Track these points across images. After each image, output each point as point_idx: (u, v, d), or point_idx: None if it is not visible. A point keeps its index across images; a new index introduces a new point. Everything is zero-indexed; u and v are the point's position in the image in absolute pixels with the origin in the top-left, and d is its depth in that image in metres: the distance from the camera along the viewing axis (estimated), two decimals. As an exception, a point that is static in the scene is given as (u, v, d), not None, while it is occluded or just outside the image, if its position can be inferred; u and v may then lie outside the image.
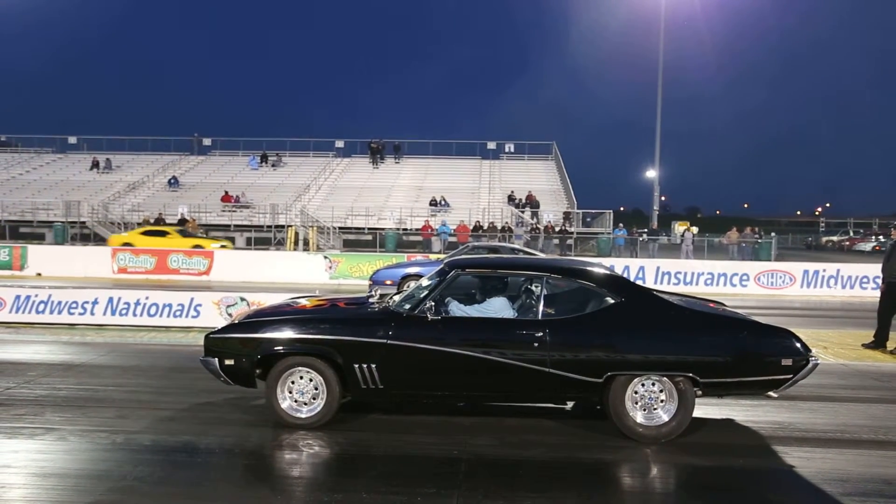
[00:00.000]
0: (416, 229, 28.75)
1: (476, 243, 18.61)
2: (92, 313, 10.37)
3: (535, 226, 29.01)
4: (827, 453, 5.21)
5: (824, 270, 18.69)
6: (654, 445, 5.30)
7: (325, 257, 19.74)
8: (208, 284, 17.81)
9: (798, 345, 5.36)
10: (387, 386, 5.48)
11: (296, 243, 26.69)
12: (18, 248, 20.29)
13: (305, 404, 5.57)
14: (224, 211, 31.54)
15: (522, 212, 30.63)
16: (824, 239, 51.18)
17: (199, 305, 10.25)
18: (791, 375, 5.30)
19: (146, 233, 24.35)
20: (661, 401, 5.35)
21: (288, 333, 5.57)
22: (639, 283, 6.26)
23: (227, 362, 5.65)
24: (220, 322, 10.12)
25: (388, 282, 13.88)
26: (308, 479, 4.75)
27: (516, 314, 5.69)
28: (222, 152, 40.36)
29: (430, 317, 5.38)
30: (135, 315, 10.28)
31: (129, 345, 9.33)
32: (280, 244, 27.92)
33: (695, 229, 35.29)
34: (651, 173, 37.84)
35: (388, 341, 5.39)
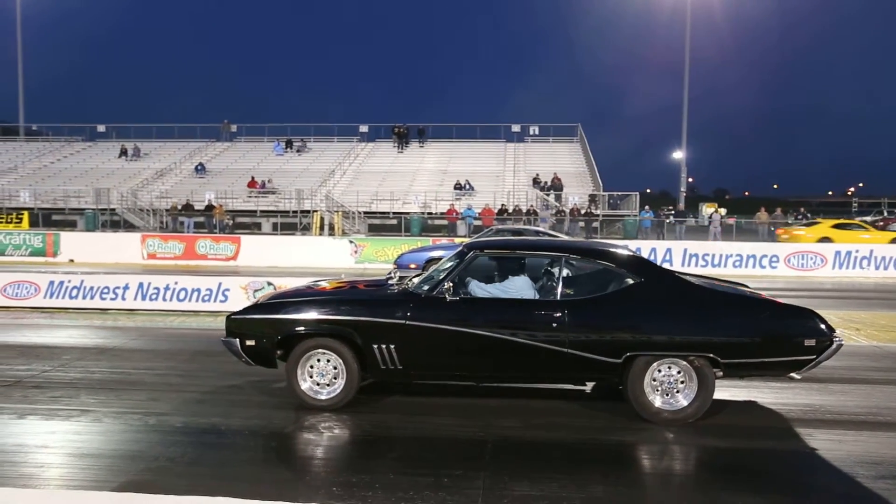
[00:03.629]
0: (441, 213, 28.74)
1: (500, 226, 18.56)
2: (123, 298, 10.56)
3: (560, 208, 28.84)
4: (859, 436, 5.14)
5: (857, 251, 18.34)
6: (675, 427, 5.26)
7: (351, 241, 19.84)
8: (236, 269, 18.01)
9: (822, 325, 5.26)
10: (406, 367, 5.52)
11: (321, 228, 26.85)
12: (51, 235, 20.69)
13: (326, 385, 5.61)
14: (250, 197, 31.81)
15: (547, 195, 30.46)
16: (857, 219, 50.21)
17: (227, 290, 10.38)
18: (814, 356, 5.21)
19: (838, 226, 23.51)
20: (682, 382, 5.27)
21: (307, 315, 5.62)
22: (665, 265, 6.04)
23: (249, 343, 5.69)
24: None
25: (413, 265, 13.88)
26: (333, 461, 4.81)
27: (535, 295, 5.62)
28: (248, 138, 40.62)
29: (448, 297, 5.40)
30: (164, 300, 10.45)
31: (159, 329, 9.50)
32: (306, 229, 28.12)
33: (723, 211, 34.85)
34: (678, 154, 37.37)
35: (407, 322, 5.41)
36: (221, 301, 10.35)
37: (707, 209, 38.52)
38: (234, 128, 40.74)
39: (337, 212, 28.07)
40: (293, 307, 5.74)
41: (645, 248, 19.03)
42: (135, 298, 10.54)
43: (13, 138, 40.71)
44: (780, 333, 5.28)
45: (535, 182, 31.68)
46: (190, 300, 10.41)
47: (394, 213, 29.21)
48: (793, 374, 5.42)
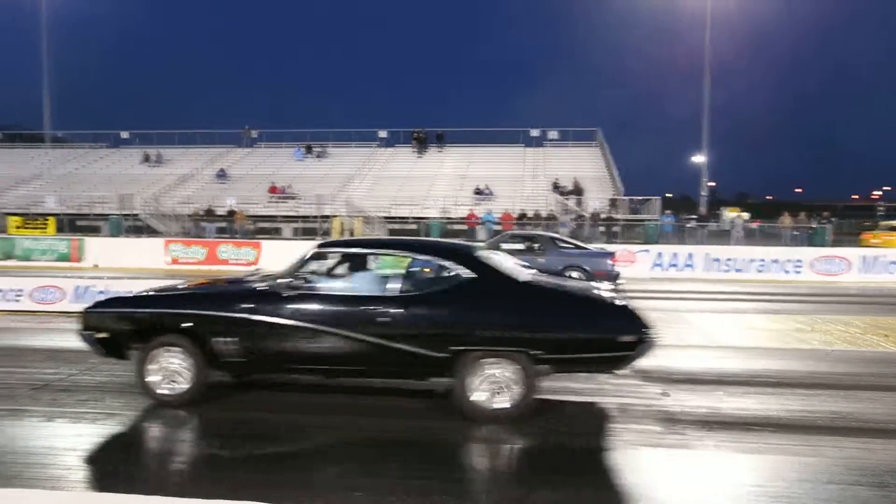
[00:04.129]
0: (461, 218, 28.75)
1: (514, 232, 18.53)
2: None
3: (580, 213, 28.73)
4: (888, 444, 5.06)
5: (884, 256, 18.09)
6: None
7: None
8: (257, 274, 18.13)
9: (637, 323, 5.31)
10: (249, 360, 5.64)
11: (341, 233, 26.97)
12: (76, 240, 20.99)
13: (173, 381, 5.69)
14: (271, 202, 32.04)
15: (567, 199, 30.36)
16: (883, 223, 49.43)
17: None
18: (630, 352, 5.27)
19: None
20: (507, 376, 5.29)
21: (156, 310, 5.85)
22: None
23: (101, 336, 5.88)
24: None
25: (427, 270, 14.03)
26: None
27: (372, 291, 5.69)
28: (268, 144, 40.93)
29: (285, 293, 5.52)
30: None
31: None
32: (326, 234, 28.26)
33: (745, 215, 34.47)
34: (699, 158, 37.07)
35: (248, 316, 5.52)
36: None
37: (729, 213, 38.14)
38: (254, 133, 41.09)
39: (357, 217, 28.19)
40: (146, 303, 6.02)
41: (666, 252, 18.90)
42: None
43: (39, 145, 41.31)
44: (599, 330, 5.34)
45: (556, 187, 31.58)
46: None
47: (413, 218, 29.27)
48: (617, 372, 5.61)
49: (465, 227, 27.93)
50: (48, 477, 4.37)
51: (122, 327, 5.86)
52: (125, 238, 26.45)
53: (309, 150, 38.78)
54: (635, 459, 4.74)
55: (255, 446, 4.98)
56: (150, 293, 6.32)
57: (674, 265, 18.55)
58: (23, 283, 11.21)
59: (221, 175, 35.20)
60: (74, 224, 30.03)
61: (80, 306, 10.67)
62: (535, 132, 39.24)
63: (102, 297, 6.65)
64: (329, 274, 6.11)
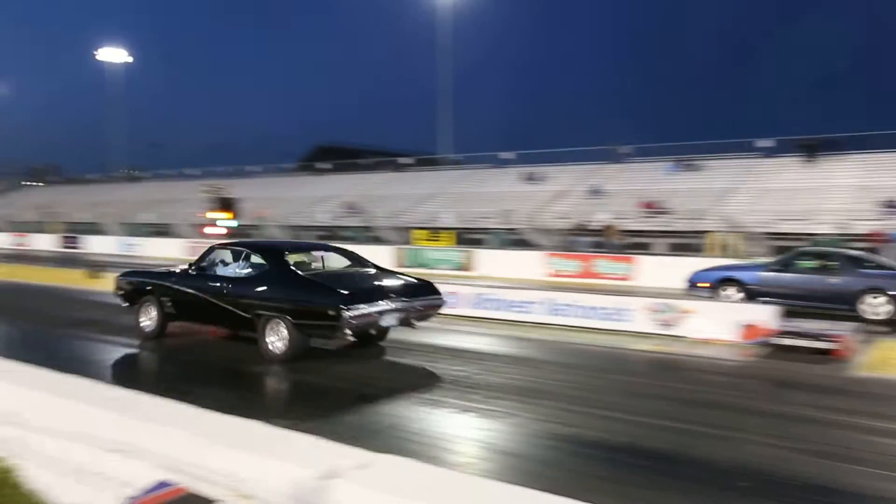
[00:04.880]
0: (862, 235, 25.03)
1: (805, 248, 15.83)
2: (532, 312, 11.41)
3: None
4: None
5: None
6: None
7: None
8: (631, 289, 18.15)
9: (338, 300, 7.40)
10: (175, 311, 9.07)
11: (717, 249, 25.55)
12: (469, 252, 23.51)
13: (150, 322, 9.31)
14: (642, 217, 31.86)
15: None
16: None
17: (629, 310, 10.49)
18: (335, 323, 7.41)
19: None
20: (283, 332, 7.86)
21: (140, 279, 9.72)
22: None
23: (121, 293, 9.85)
24: (648, 327, 10.23)
25: (705, 283, 13.27)
26: None
27: (224, 273, 8.76)
28: (639, 159, 40.84)
29: (190, 272, 8.99)
30: (571, 316, 10.98)
31: (566, 343, 10.02)
32: (700, 250, 27.06)
33: None
34: None
35: (172, 285, 9.05)
36: (622, 320, 10.49)
37: None
38: (625, 149, 41.41)
39: (736, 232, 26.44)
40: (138, 276, 10.01)
41: None
42: (542, 313, 11.30)
43: (437, 167, 47.44)
44: (318, 304, 7.66)
45: None
46: (593, 318, 10.76)
47: (802, 234, 26.38)
48: (348, 336, 7.72)
49: (866, 244, 24.25)
50: (461, 462, 4.91)
51: (129, 288, 9.73)
52: (507, 251, 28.77)
53: (681, 163, 37.65)
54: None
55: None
56: (142, 271, 10.53)
57: None
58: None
59: (594, 191, 36.17)
60: (466, 237, 33.69)
61: (475, 311, 11.94)
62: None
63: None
64: (214, 263, 9.03)
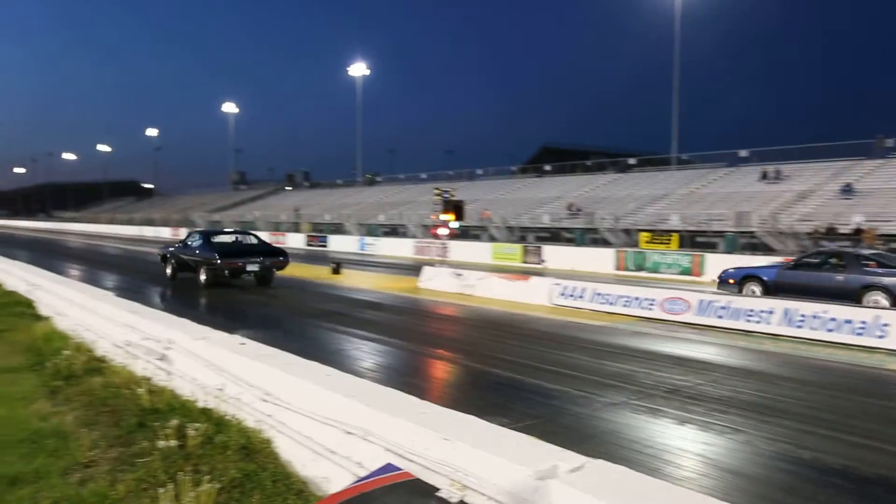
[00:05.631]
0: None
1: (819, 248, 16.80)
2: (768, 322, 10.54)
3: None
4: None
5: None
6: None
7: None
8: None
9: (214, 256, 15.62)
10: (178, 267, 17.42)
11: None
12: (697, 255, 22.28)
13: (169, 271, 18.09)
14: (906, 219, 27.90)
15: None
16: None
17: (887, 324, 9.27)
18: (216, 266, 15.64)
19: None
20: (201, 273, 16.30)
21: (164, 252, 18.50)
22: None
23: (158, 256, 19.04)
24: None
25: (731, 281, 14.39)
26: None
27: (190, 244, 17.03)
28: (902, 154, 35.78)
29: (178, 245, 17.91)
30: (811, 328, 9.99)
31: (805, 358, 9.13)
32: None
33: None
34: None
35: (174, 251, 17.72)
36: (878, 336, 9.30)
37: None
38: (890, 142, 36.49)
39: None
40: (165, 250, 18.59)
41: None
42: (779, 324, 10.40)
43: (665, 168, 45.47)
44: (207, 258, 15.83)
45: None
46: (840, 331, 9.68)
47: None
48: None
49: None
50: (678, 476, 4.70)
51: (160, 254, 18.68)
52: (739, 255, 26.81)
53: (961, 156, 32.34)
54: None
55: None
56: (164, 246, 19.72)
57: None
58: (654, 293, 12.45)
59: (846, 190, 32.38)
60: (694, 240, 31.96)
61: (702, 319, 11.32)
62: None
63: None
64: (187, 240, 17.41)
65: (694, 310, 11.47)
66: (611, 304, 12.88)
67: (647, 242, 30.53)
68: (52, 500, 3.77)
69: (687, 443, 5.53)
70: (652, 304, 12.17)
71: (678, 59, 43.45)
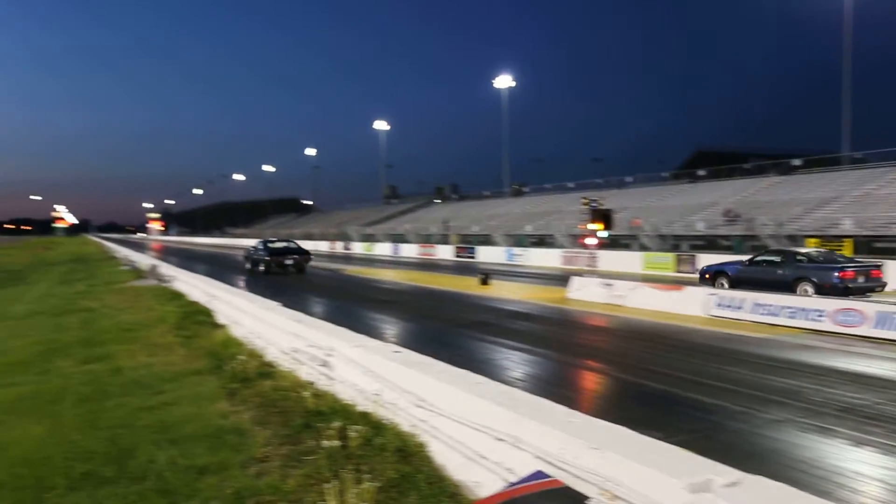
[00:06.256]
0: None
1: (773, 248, 20.40)
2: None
3: None
4: None
5: None
6: None
7: None
8: None
9: (268, 255, 27.09)
10: (254, 263, 28.30)
11: None
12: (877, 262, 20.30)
13: (259, 269, 28.10)
14: None
15: None
16: None
17: None
18: (267, 261, 27.01)
19: None
20: (260, 266, 28.28)
21: (245, 255, 30.67)
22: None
23: (243, 257, 31.76)
24: None
25: (707, 276, 17.15)
26: None
27: (258, 248, 28.84)
28: None
29: (256, 248, 28.92)
30: None
31: None
32: None
33: None
34: None
35: (251, 254, 29.15)
36: None
37: None
38: None
39: None
40: (245, 252, 31.28)
41: None
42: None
43: (835, 168, 41.98)
44: (264, 256, 27.56)
45: None
46: None
47: None
48: None
49: None
50: (853, 502, 4.37)
51: (244, 255, 31.37)
52: (928, 261, 24.16)
53: None
54: None
55: None
56: (246, 250, 32.04)
57: None
58: (823, 303, 11.54)
59: None
60: (871, 245, 29.24)
61: (881, 332, 10.35)
62: None
63: None
64: (258, 246, 28.80)
65: (871, 322, 10.52)
66: (773, 315, 12.10)
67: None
68: (235, 490, 4.17)
69: (864, 466, 5.12)
70: (821, 316, 11.29)
71: (849, 43, 39.98)
